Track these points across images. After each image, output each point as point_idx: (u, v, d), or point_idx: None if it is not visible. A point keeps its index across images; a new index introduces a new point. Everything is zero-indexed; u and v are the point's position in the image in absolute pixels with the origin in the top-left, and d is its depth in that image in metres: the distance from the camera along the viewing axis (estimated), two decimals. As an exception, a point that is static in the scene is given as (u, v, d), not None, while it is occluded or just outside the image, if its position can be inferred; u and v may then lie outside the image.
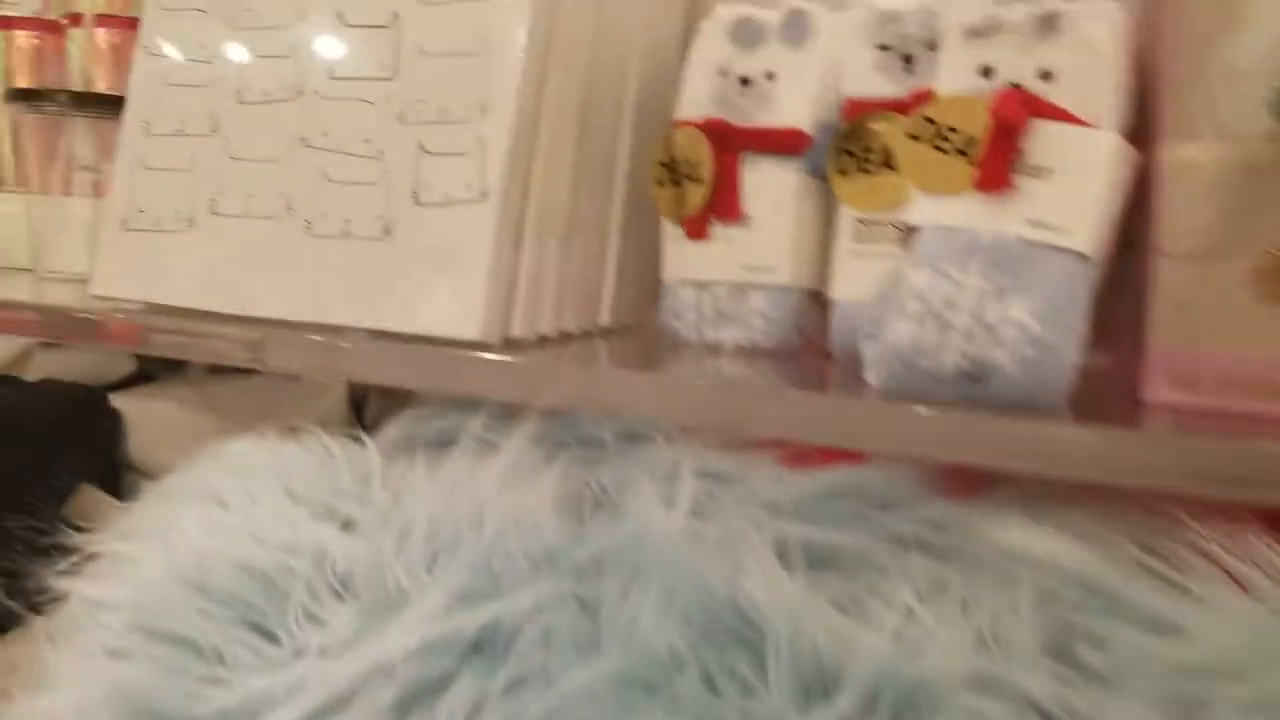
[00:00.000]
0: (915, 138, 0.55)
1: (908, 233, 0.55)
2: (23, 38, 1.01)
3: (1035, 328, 0.49)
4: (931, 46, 0.61)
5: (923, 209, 0.53)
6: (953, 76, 0.55)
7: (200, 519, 0.57)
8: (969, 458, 0.49)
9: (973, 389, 0.51)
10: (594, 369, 0.59)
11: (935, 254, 0.51)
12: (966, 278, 0.50)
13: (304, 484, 0.57)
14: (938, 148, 0.54)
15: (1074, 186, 0.51)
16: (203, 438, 0.85)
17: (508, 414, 0.62)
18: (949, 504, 0.54)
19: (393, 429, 0.63)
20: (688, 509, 0.53)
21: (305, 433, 0.62)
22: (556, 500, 0.55)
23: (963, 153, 0.53)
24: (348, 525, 0.56)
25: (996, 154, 0.52)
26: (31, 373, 0.92)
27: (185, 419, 0.86)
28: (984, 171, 0.52)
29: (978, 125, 0.53)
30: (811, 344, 0.64)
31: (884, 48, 0.62)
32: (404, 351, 0.61)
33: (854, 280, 0.61)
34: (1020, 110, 0.51)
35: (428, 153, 0.62)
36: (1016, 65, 0.54)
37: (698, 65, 0.66)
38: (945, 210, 0.53)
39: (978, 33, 0.55)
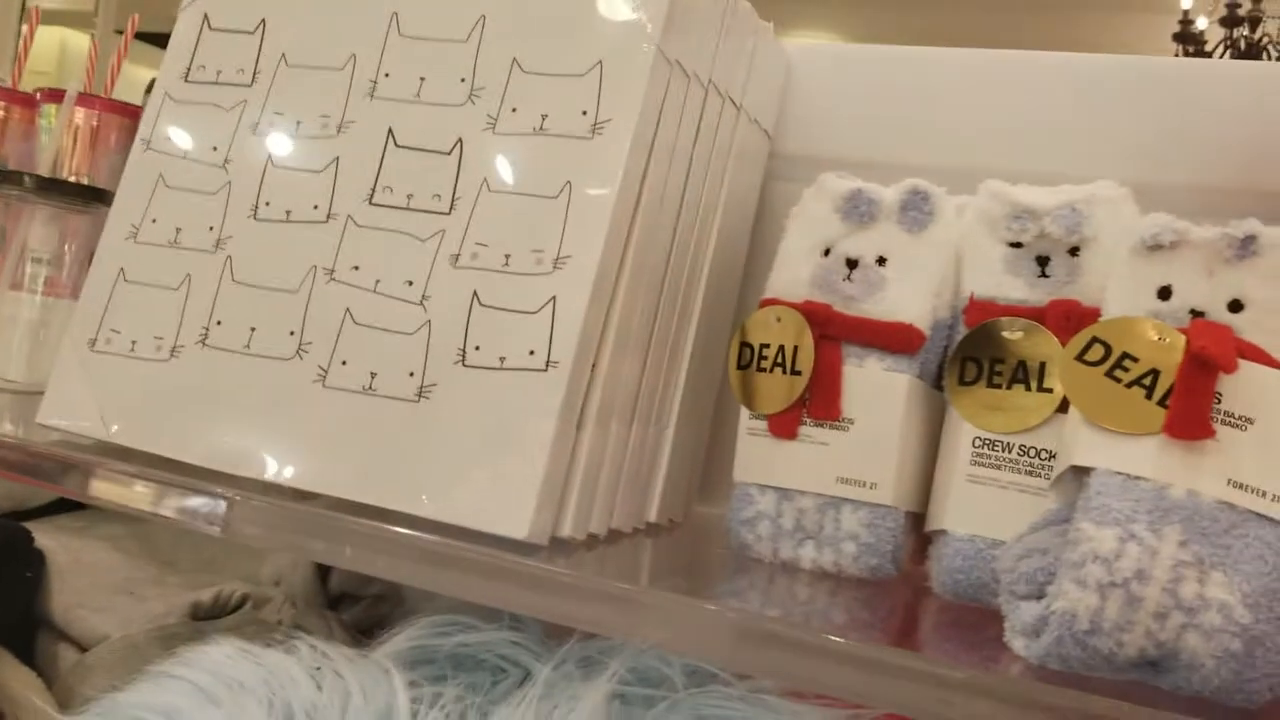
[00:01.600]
0: (1084, 360, 0.46)
1: (1070, 475, 0.46)
2: (-14, 107, 0.89)
3: (1243, 615, 0.40)
4: (1074, 251, 0.54)
5: (1096, 449, 0.45)
6: (1124, 294, 0.48)
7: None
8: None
9: (1154, 677, 0.42)
10: (662, 594, 0.48)
11: (1121, 510, 0.42)
12: (1162, 544, 0.41)
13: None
14: (1112, 376, 0.45)
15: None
16: (138, 593, 0.71)
17: (546, 630, 0.50)
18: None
19: (403, 638, 0.51)
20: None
21: (297, 640, 0.49)
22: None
23: (1144, 386, 0.45)
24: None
25: (1193, 396, 0.43)
26: (-62, 494, 0.78)
27: (117, 568, 0.72)
28: (1177, 414, 0.43)
29: (1165, 357, 0.44)
30: (909, 578, 0.55)
31: (1016, 245, 0.55)
32: (423, 545, 0.49)
33: (970, 510, 0.52)
34: (1228, 348, 0.43)
35: (484, 305, 0.52)
36: (1202, 290, 0.46)
37: (797, 239, 0.58)
38: (1127, 455, 0.44)
39: (1158, 248, 0.47)
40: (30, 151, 0.85)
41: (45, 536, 0.74)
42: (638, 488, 0.58)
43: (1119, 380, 0.45)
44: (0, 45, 3.75)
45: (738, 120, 0.62)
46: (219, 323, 0.57)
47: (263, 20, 0.61)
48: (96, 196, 0.76)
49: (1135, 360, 0.45)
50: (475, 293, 0.52)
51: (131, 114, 0.85)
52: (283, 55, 0.60)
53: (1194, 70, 0.64)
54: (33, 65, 1.00)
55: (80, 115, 0.84)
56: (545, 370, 0.50)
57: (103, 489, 0.57)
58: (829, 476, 0.54)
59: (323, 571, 0.75)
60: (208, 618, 0.69)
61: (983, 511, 0.52)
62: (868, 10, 5.94)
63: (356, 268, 0.55)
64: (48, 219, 0.78)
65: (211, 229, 0.58)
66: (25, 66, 0.94)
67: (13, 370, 0.77)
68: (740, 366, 0.57)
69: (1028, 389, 0.52)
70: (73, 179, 0.83)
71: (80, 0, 4.30)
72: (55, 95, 0.85)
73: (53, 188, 0.77)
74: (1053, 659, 0.42)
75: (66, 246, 0.79)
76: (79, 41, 4.39)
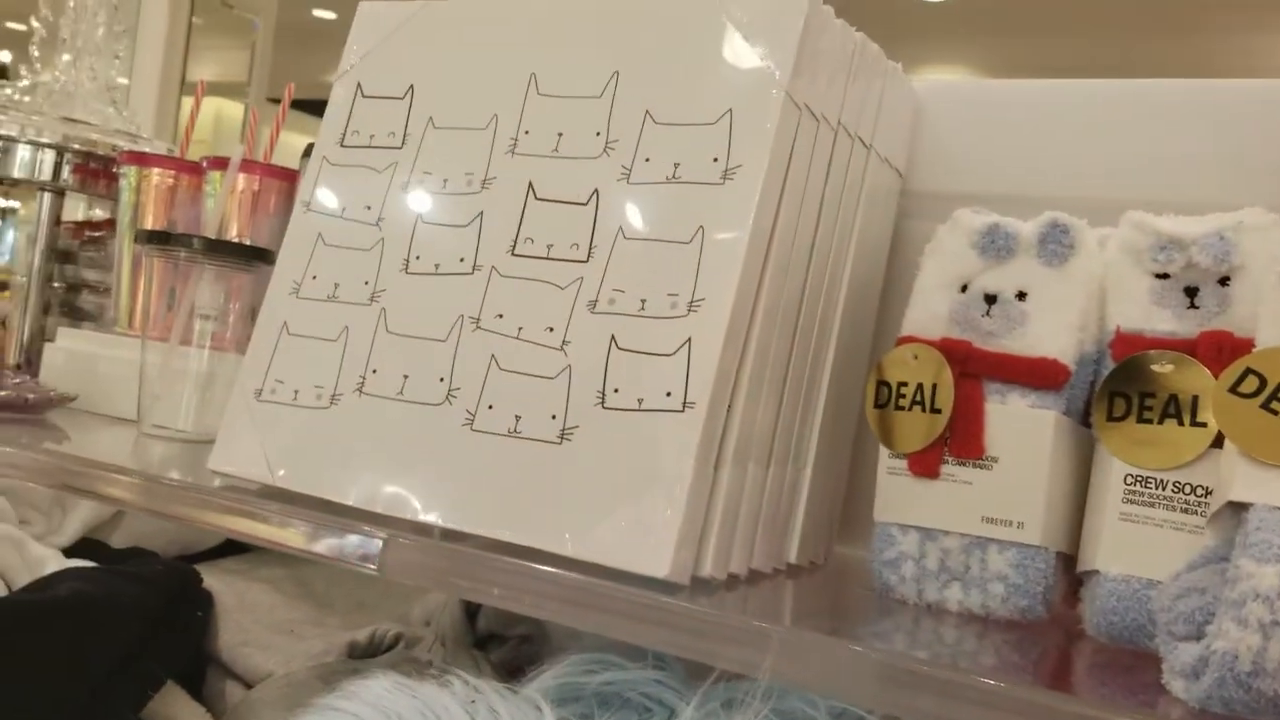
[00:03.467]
0: (1239, 393, 0.45)
1: (1228, 511, 0.44)
2: (158, 176, 0.96)
3: None
4: (1224, 280, 0.52)
5: (1254, 484, 0.43)
6: (1277, 323, 0.46)
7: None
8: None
9: (1325, 724, 0.40)
10: (808, 634, 0.48)
11: (1283, 546, 0.40)
12: (1329, 582, 0.39)
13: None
14: (1268, 408, 0.44)
15: None
16: (298, 632, 0.75)
17: (689, 670, 0.51)
18: None
19: (550, 675, 0.52)
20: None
21: (451, 676, 0.51)
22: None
23: (1304, 418, 0.43)
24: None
25: (1359, 426, 0.42)
26: (119, 536, 0.83)
27: (278, 608, 0.76)
28: (1342, 446, 0.42)
29: (1327, 387, 0.43)
30: (1060, 620, 0.53)
31: (1163, 276, 0.53)
32: (567, 583, 0.51)
33: (1124, 550, 0.51)
34: (1396, 376, 0.41)
35: (621, 349, 0.54)
36: (1364, 317, 0.44)
37: (933, 275, 0.57)
38: (1288, 489, 0.42)
39: (1314, 274, 0.46)
40: (197, 216, 0.90)
41: (212, 578, 0.78)
42: (777, 528, 0.58)
43: (1276, 412, 0.44)
44: (161, 114, 4.00)
45: (868, 160, 0.62)
46: (374, 371, 0.60)
47: (411, 87, 0.64)
48: (258, 255, 0.81)
49: (1294, 391, 0.43)
50: (613, 337, 0.54)
51: (289, 178, 0.90)
52: (430, 118, 0.63)
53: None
54: (194, 134, 1.07)
55: (242, 180, 0.89)
56: (682, 411, 0.51)
57: (266, 531, 0.60)
58: (973, 516, 0.54)
59: (471, 611, 0.77)
60: (363, 656, 0.72)
61: (1137, 550, 0.50)
62: (999, 42, 5.84)
63: (501, 316, 0.57)
64: (214, 278, 0.83)
65: (367, 283, 0.61)
66: (193, 138, 1.00)
67: (182, 420, 0.82)
68: (878, 405, 0.56)
69: (1180, 423, 0.50)
70: (236, 240, 0.88)
71: (233, 71, 4.57)
72: (219, 163, 0.91)
73: (219, 249, 0.82)
74: (1214, 702, 0.41)
75: (231, 303, 0.84)
76: (232, 110, 4.65)
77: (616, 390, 0.53)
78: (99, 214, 1.31)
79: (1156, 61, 5.37)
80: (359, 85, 0.66)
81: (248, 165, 0.90)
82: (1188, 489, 0.50)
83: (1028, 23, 5.46)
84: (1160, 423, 0.51)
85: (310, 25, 6.72)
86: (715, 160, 0.55)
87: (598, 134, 0.58)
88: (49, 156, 1.04)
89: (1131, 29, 5.28)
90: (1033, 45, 5.72)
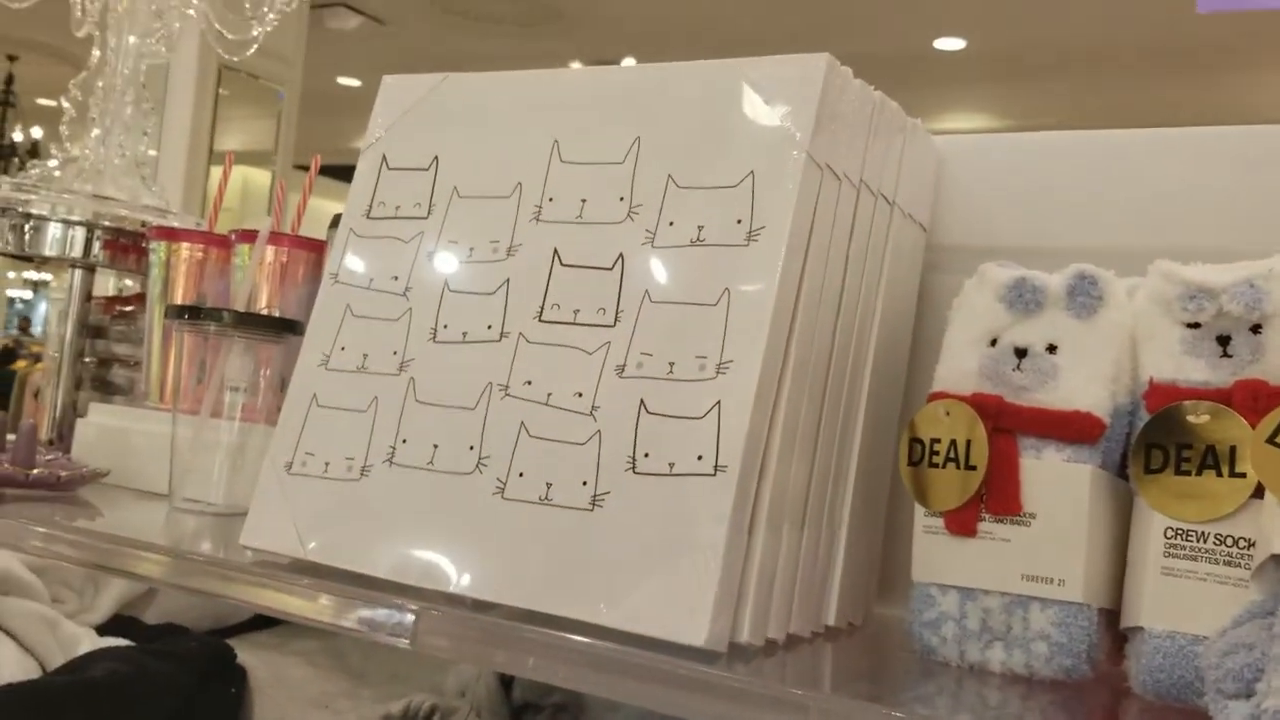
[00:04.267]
0: (1278, 443, 0.44)
1: (1272, 564, 0.43)
2: (187, 250, 0.98)
3: None
4: (1256, 328, 0.52)
5: (1300, 536, 0.42)
6: (1316, 370, 0.45)
7: None
8: None
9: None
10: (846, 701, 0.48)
11: (1335, 601, 0.40)
12: (1385, 638, 0.38)
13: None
14: (1311, 458, 0.43)
15: None
16: (333, 706, 0.74)
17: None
18: None
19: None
20: None
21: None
22: None
23: (1348, 468, 0.42)
24: None
25: (1406, 476, 0.41)
26: (152, 612, 0.83)
27: (312, 681, 0.76)
28: (1390, 497, 0.41)
29: (1370, 436, 0.42)
30: (1106, 679, 0.52)
31: (1194, 325, 0.53)
32: (602, 653, 0.50)
33: (1168, 605, 0.50)
34: None
35: (651, 413, 0.54)
36: (1404, 363, 0.44)
37: (962, 330, 0.57)
38: (1336, 541, 0.41)
39: (1350, 320, 0.45)
40: (226, 288, 0.91)
41: (245, 653, 0.78)
42: (814, 591, 0.57)
43: (1320, 462, 0.43)
44: (189, 183, 4.06)
45: (892, 216, 0.63)
46: (404, 441, 0.60)
47: (435, 158, 0.65)
48: (287, 327, 0.81)
49: (1336, 441, 0.43)
50: (642, 401, 0.54)
51: (316, 248, 0.91)
52: (454, 188, 0.63)
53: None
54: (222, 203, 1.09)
55: (271, 252, 0.90)
56: (714, 475, 0.51)
57: (297, 606, 0.60)
58: (1013, 574, 0.53)
59: (506, 681, 0.76)
60: (398, 728, 0.71)
61: (1181, 605, 0.49)
62: (1018, 89, 5.87)
63: (529, 382, 0.57)
64: (243, 350, 0.84)
65: (395, 353, 0.62)
66: (221, 210, 1.02)
67: (214, 493, 0.82)
68: (912, 463, 0.56)
69: (1219, 474, 0.50)
70: (265, 311, 0.89)
71: (260, 140, 4.65)
72: (248, 236, 0.92)
73: (248, 321, 0.83)
74: (1271, 764, 0.40)
75: (261, 374, 0.85)
76: (258, 177, 4.73)
77: (647, 455, 0.53)
78: (130, 284, 1.33)
79: (1177, 103, 5.38)
80: (384, 157, 0.67)
81: (275, 238, 0.91)
82: (1230, 541, 0.49)
83: (1046, 69, 5.50)
84: (1199, 474, 0.50)
85: (334, 93, 6.85)
86: (739, 222, 0.55)
87: (621, 199, 0.58)
88: (80, 233, 1.05)
89: (1154, 71, 5.30)
90: (1052, 91, 5.74)
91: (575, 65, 5.64)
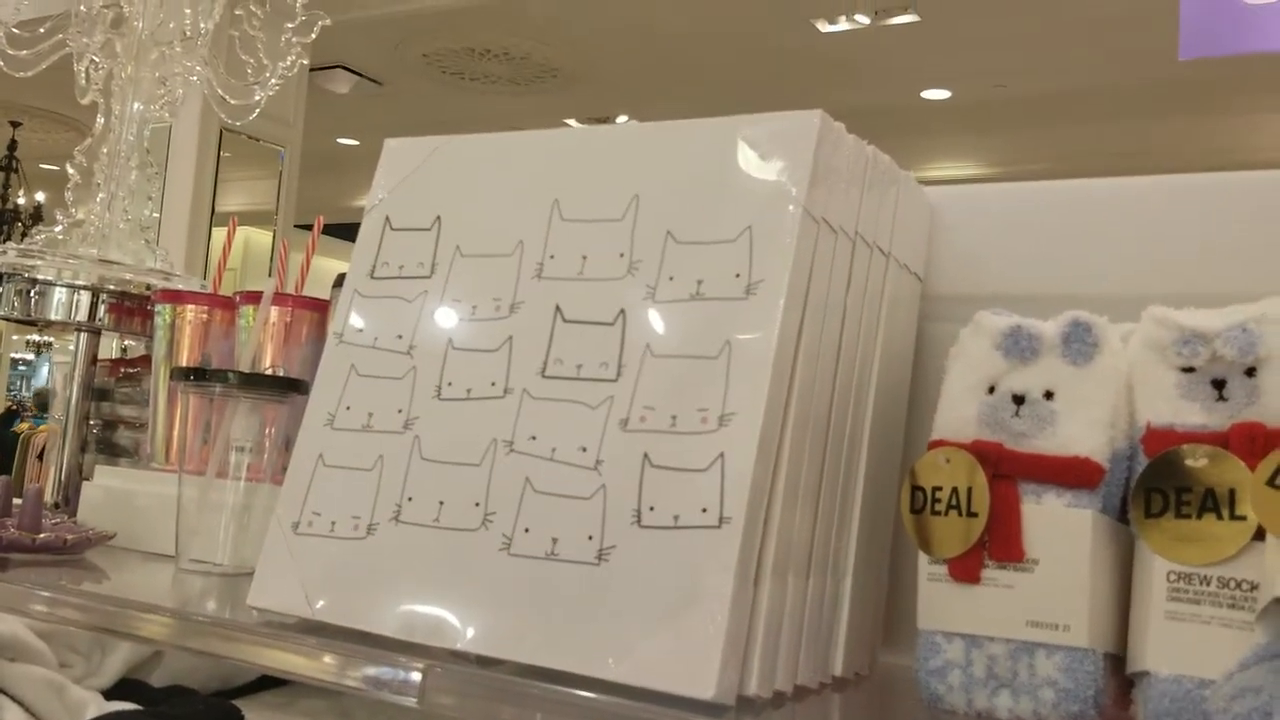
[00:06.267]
0: (1277, 485, 0.44)
1: (1275, 607, 0.44)
2: (192, 312, 0.99)
3: None
4: (1250, 371, 0.52)
5: (1301, 577, 0.43)
6: (1311, 412, 0.46)
7: None
8: None
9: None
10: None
11: (1338, 641, 0.40)
12: (1389, 677, 0.39)
13: None
14: (1309, 500, 0.44)
15: None
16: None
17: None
18: None
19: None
20: None
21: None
22: None
23: (1346, 508, 0.43)
24: None
25: (1403, 515, 0.41)
26: (159, 674, 0.83)
27: (320, 741, 0.75)
28: (1388, 536, 0.41)
29: (1366, 476, 0.42)
30: (1114, 723, 0.52)
31: (1189, 370, 0.54)
32: (610, 708, 0.50)
33: (1173, 649, 0.50)
34: None
35: (655, 466, 0.54)
36: (1397, 403, 0.44)
37: (959, 378, 0.58)
38: (1337, 582, 0.42)
39: (1342, 362, 0.46)
40: (231, 349, 0.92)
41: (253, 713, 0.77)
42: (820, 641, 0.58)
43: (1318, 504, 0.43)
44: (192, 244, 4.09)
45: (887, 267, 0.64)
46: (410, 499, 0.60)
47: (438, 218, 0.66)
48: (292, 386, 0.82)
49: (1333, 482, 0.43)
50: (646, 454, 0.54)
51: (320, 308, 0.92)
52: (457, 247, 0.65)
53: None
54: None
55: (275, 313, 0.91)
56: (719, 527, 0.51)
57: (304, 665, 0.60)
58: (1018, 620, 0.53)
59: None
60: (405, 788, 0.71)
61: (1186, 649, 0.49)
62: (1007, 136, 5.94)
63: (534, 438, 0.58)
64: (249, 410, 0.84)
65: (400, 411, 0.62)
66: (225, 270, 1.03)
67: (220, 554, 0.82)
68: (913, 511, 0.56)
69: (1219, 517, 0.50)
70: (269, 371, 0.90)
71: (261, 200, 4.69)
72: (252, 297, 0.93)
73: (253, 382, 0.83)
74: (1282, 808, 0.40)
75: (266, 434, 0.85)
76: (259, 238, 4.76)
77: (652, 508, 0.54)
78: (130, 344, 1.33)
79: (1174, 143, 5.43)
80: (387, 218, 0.68)
81: (279, 298, 0.92)
82: (1233, 584, 0.49)
83: (1029, 116, 5.56)
84: (1199, 517, 0.51)
85: (334, 152, 6.93)
86: (738, 276, 0.56)
87: (621, 255, 0.59)
88: (85, 298, 1.06)
89: (1137, 114, 5.37)
90: (1040, 137, 5.81)
91: (571, 123, 5.71)
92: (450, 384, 0.62)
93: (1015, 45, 4.70)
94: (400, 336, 0.64)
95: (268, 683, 0.86)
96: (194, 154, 4.06)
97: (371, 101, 6.00)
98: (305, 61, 1.18)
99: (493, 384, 0.60)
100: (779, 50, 4.95)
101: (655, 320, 0.57)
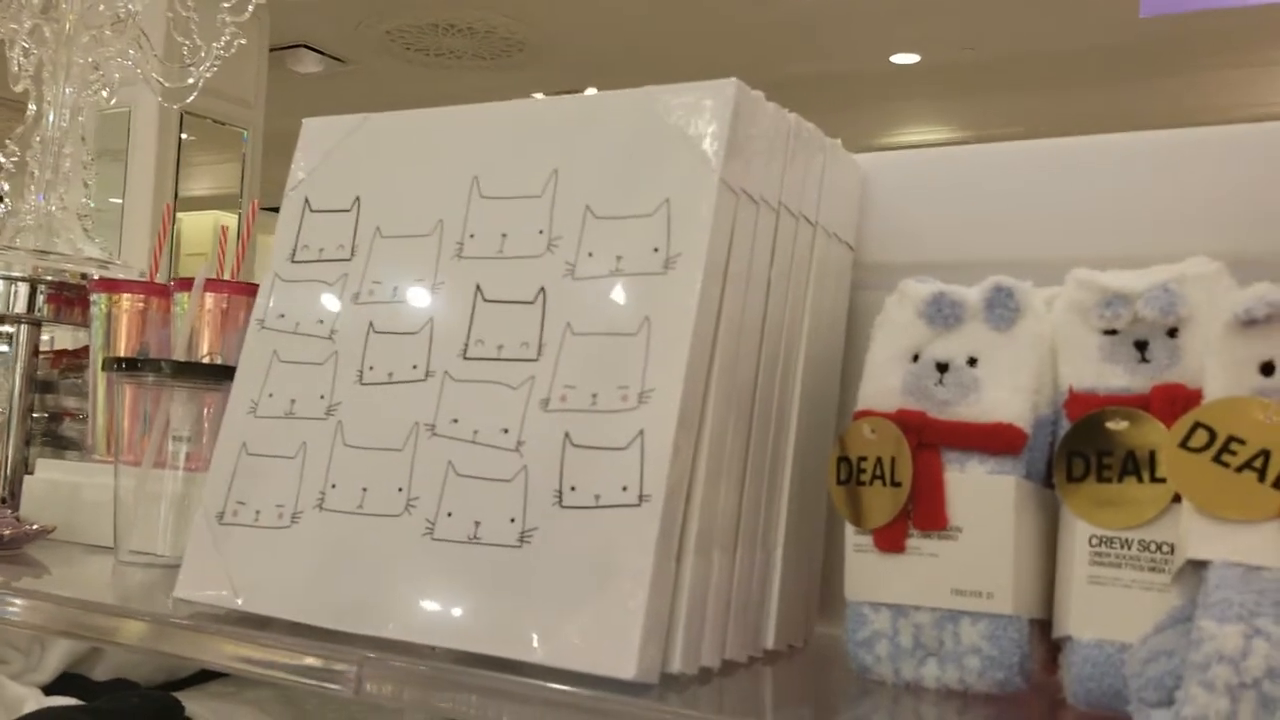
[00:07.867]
0: (1190, 448, 0.44)
1: (1189, 569, 0.43)
2: (128, 300, 0.97)
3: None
4: (1173, 332, 0.52)
5: (1211, 540, 0.42)
6: (1224, 373, 0.46)
7: None
8: None
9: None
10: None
11: (1244, 604, 0.40)
12: (1294, 638, 0.38)
13: None
14: (1220, 461, 0.43)
15: None
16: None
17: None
18: None
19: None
20: None
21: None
22: None
23: (1255, 469, 0.42)
24: None
25: (1310, 474, 0.41)
26: (101, 668, 0.82)
27: (264, 732, 0.75)
28: (1295, 496, 0.41)
29: (1275, 436, 0.42)
30: (1042, 690, 0.52)
31: (1111, 332, 0.53)
32: (538, 692, 0.50)
33: (1094, 613, 0.50)
34: (1340, 421, 0.41)
35: (576, 446, 0.53)
36: (1309, 361, 0.44)
37: (884, 347, 0.57)
38: (1244, 544, 0.42)
39: (1253, 323, 0.45)
40: (167, 338, 0.91)
41: (197, 704, 0.77)
42: (750, 615, 0.57)
43: (1228, 465, 0.43)
44: (155, 230, 4.05)
45: (815, 236, 0.63)
46: (334, 486, 0.59)
47: (357, 198, 0.65)
48: (228, 374, 0.81)
49: (1243, 443, 0.43)
50: (567, 434, 0.54)
51: (256, 293, 0.91)
52: (377, 228, 0.63)
53: (1275, 135, 0.62)
54: (192, 248, 1.08)
55: (210, 299, 0.90)
56: (639, 505, 0.51)
57: (235, 659, 0.59)
58: (943, 589, 0.53)
59: (458, 720, 0.75)
60: (352, 774, 0.70)
61: (1108, 613, 0.49)
62: (976, 100, 5.92)
63: (456, 420, 0.57)
64: (186, 399, 0.83)
65: (322, 397, 0.61)
66: (161, 257, 1.01)
67: (160, 544, 0.81)
68: (840, 482, 0.56)
69: (1140, 480, 0.50)
70: (206, 359, 0.89)
71: (228, 184, 4.65)
72: (186, 284, 0.91)
73: (188, 370, 0.82)
74: (1192, 770, 0.39)
75: (205, 423, 0.84)
76: (230, 221, 4.72)
77: (573, 488, 0.53)
78: (64, 331, 1.31)
79: (1146, 104, 5.44)
80: (306, 200, 0.67)
81: (214, 284, 0.90)
82: (1153, 547, 0.49)
83: (999, 79, 5.55)
84: (1120, 481, 0.50)
85: (297, 133, 6.85)
86: (656, 250, 0.55)
87: (540, 232, 0.58)
88: (23, 289, 1.04)
89: (1106, 76, 5.37)
90: (1013, 100, 5.80)
91: (539, 97, 5.65)
92: (372, 368, 0.61)
93: (984, 6, 4.68)
94: (321, 321, 0.63)
95: (214, 673, 0.86)
96: (155, 138, 4.00)
97: (338, 81, 5.93)
98: (244, 41, 1.16)
99: (414, 367, 0.59)
100: (747, 19, 4.91)
101: (575, 298, 0.56)
